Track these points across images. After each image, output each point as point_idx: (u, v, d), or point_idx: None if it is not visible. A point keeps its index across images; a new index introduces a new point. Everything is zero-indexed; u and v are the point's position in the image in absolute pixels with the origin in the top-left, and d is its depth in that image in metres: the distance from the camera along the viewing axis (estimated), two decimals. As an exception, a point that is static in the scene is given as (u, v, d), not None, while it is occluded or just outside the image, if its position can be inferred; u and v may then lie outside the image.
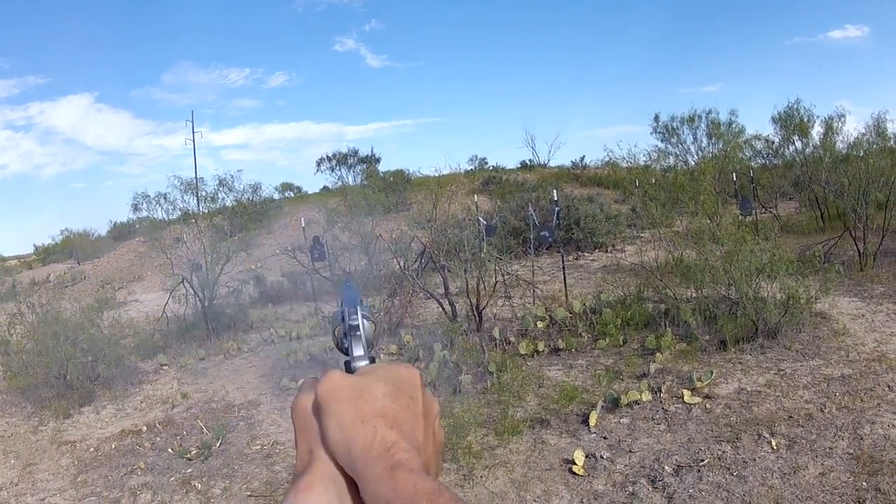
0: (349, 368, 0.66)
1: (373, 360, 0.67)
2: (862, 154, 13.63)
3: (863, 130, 15.68)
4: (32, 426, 8.46)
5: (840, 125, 16.47)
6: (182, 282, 12.34)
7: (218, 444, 7.00)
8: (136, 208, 14.54)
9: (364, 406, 0.60)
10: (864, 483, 4.76)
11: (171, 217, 14.73)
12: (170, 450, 7.05)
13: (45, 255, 36.96)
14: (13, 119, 68.54)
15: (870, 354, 7.35)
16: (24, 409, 9.10)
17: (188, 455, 6.79)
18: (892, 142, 15.16)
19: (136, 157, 76.32)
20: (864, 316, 8.89)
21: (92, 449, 7.43)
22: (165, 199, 14.07)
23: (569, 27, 74.90)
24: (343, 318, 0.69)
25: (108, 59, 76.41)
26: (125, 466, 6.77)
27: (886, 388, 6.32)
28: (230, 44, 78.13)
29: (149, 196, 14.22)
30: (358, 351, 0.67)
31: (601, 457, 5.68)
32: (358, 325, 0.68)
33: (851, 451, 5.24)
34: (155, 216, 14.70)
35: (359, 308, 0.70)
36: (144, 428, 7.84)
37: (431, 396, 0.68)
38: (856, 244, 11.99)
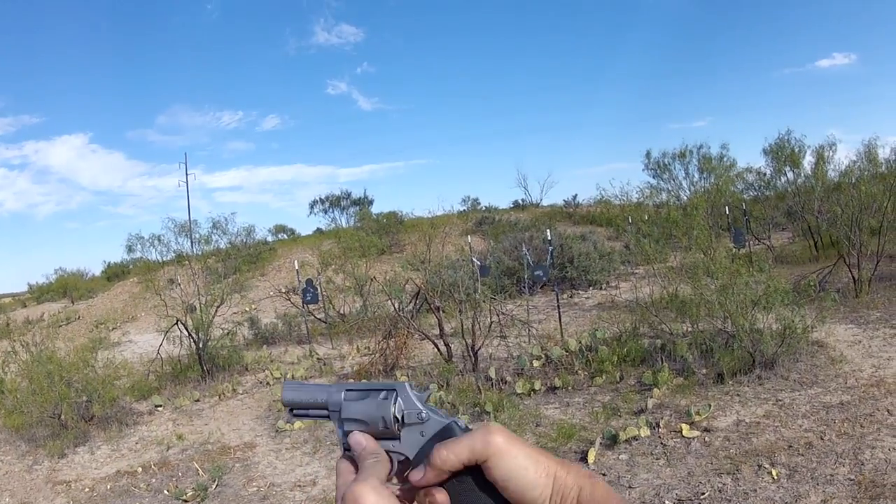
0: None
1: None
2: (854, 181, 13.72)
3: (854, 158, 15.86)
4: (27, 465, 8.38)
5: (831, 154, 16.64)
6: (176, 323, 12.29)
7: (214, 486, 6.92)
8: (130, 249, 14.56)
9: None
10: (866, 510, 4.72)
11: (165, 259, 14.75)
12: (165, 491, 6.96)
13: (39, 293, 36.94)
14: (8, 157, 68.84)
15: (868, 380, 7.33)
16: (19, 447, 9.03)
17: (184, 497, 6.70)
18: (883, 167, 15.29)
19: (130, 198, 76.27)
20: (860, 342, 8.88)
21: (87, 489, 7.36)
22: (159, 240, 14.10)
23: (559, 66, 75.54)
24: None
25: (103, 100, 76.70)
26: (120, 509, 6.69)
27: (886, 413, 6.30)
28: (223, 87, 78.57)
29: (143, 237, 14.25)
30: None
31: (601, 492, 5.61)
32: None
33: (853, 476, 5.21)
34: (149, 258, 14.73)
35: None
36: (140, 469, 7.76)
37: None
38: (850, 271, 12.02)
